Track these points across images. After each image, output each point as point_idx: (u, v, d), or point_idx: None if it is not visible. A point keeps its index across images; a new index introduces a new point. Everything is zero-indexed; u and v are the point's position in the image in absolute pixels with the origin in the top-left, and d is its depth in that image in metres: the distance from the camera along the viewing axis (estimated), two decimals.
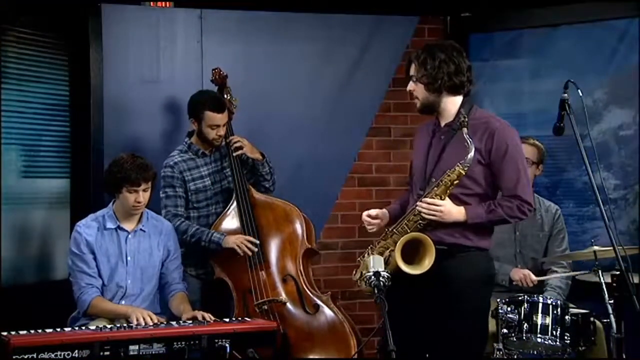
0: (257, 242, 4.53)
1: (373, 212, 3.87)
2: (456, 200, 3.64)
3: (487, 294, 3.79)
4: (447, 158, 3.67)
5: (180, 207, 4.61)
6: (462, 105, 3.71)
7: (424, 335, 3.65)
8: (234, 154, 4.68)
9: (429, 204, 3.61)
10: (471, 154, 3.54)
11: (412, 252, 3.59)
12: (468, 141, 3.55)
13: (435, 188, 3.62)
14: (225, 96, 4.79)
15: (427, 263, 3.57)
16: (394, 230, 3.71)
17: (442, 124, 3.76)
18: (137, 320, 3.95)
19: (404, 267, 3.54)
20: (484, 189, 3.68)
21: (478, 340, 3.76)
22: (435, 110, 3.75)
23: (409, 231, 3.64)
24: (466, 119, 3.58)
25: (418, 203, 3.63)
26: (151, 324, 3.94)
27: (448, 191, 3.60)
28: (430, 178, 3.69)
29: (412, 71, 3.73)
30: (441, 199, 3.61)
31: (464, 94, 3.73)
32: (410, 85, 3.75)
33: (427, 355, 3.69)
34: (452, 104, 3.73)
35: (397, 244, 3.58)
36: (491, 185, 3.69)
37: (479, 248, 3.70)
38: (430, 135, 3.79)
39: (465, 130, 3.56)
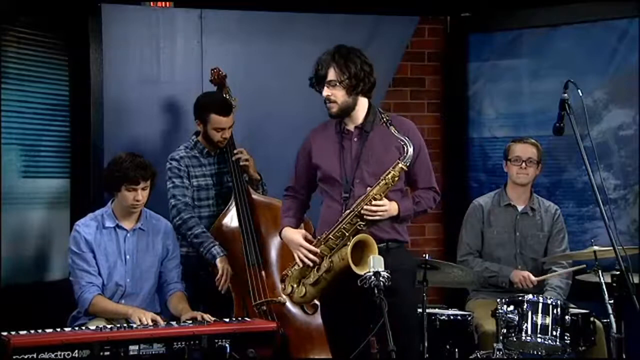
0: (228, 287, 4.49)
1: (310, 247, 3.74)
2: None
3: (415, 284, 4.00)
4: (369, 159, 3.72)
5: (188, 197, 4.61)
6: (369, 106, 3.79)
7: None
8: (239, 164, 4.66)
9: (375, 205, 3.64)
10: (410, 149, 3.63)
11: (354, 254, 3.60)
12: (403, 139, 3.64)
13: (376, 188, 3.64)
14: (225, 96, 4.79)
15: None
16: (330, 236, 3.70)
17: (351, 126, 3.79)
18: (140, 320, 3.95)
19: (356, 269, 3.54)
20: (404, 183, 3.80)
21: (416, 332, 3.90)
22: (349, 114, 3.77)
23: (346, 234, 3.65)
24: (389, 118, 3.67)
25: (365, 207, 3.63)
26: (145, 323, 3.92)
27: (388, 189, 3.65)
28: (354, 180, 3.72)
29: (332, 76, 3.72)
30: (380, 197, 3.65)
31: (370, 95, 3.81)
32: (327, 90, 3.73)
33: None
34: (362, 106, 3.79)
35: (348, 248, 3.58)
36: (406, 180, 3.80)
37: (406, 242, 3.84)
38: (336, 139, 3.80)
39: (393, 128, 3.65)
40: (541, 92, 5.47)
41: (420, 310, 4.28)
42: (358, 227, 3.66)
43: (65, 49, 5.07)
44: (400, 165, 3.64)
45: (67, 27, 5.05)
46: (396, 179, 3.65)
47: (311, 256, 3.71)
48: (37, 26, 4.90)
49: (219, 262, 4.47)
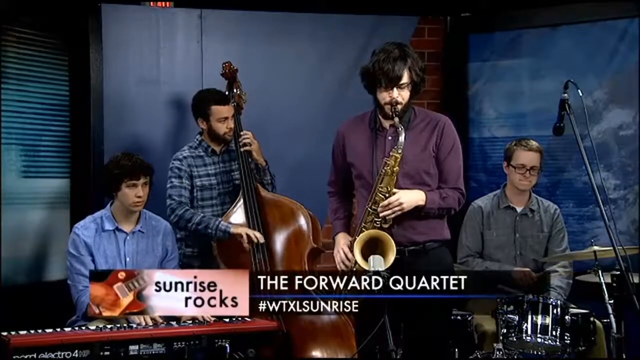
0: (263, 240, 4.52)
1: (348, 253, 3.75)
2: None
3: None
4: (404, 156, 3.68)
5: (184, 197, 4.61)
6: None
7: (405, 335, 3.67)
8: (241, 149, 4.66)
9: (387, 205, 3.62)
10: (401, 136, 3.60)
11: (371, 253, 3.58)
12: (400, 127, 3.62)
13: (380, 184, 3.63)
14: (235, 90, 4.79)
15: (391, 258, 3.55)
16: (356, 237, 3.69)
17: (387, 124, 3.76)
18: (135, 320, 3.93)
19: (366, 266, 3.53)
20: (436, 181, 3.76)
21: (448, 333, 3.91)
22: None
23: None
24: (420, 115, 3.71)
25: (379, 208, 3.62)
26: (144, 324, 3.89)
27: (392, 180, 3.62)
28: None
29: (406, 78, 3.67)
30: (388, 191, 3.63)
31: None
32: (397, 92, 3.66)
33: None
34: None
35: (355, 245, 3.58)
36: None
37: (446, 239, 3.80)
38: (370, 136, 3.77)
39: (397, 119, 3.63)
40: (541, 92, 5.47)
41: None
42: (375, 224, 3.65)
43: (65, 49, 5.07)
44: (393, 153, 3.62)
45: (67, 27, 5.05)
46: (395, 168, 3.62)
47: (346, 262, 3.71)
48: (37, 26, 4.90)
49: (234, 231, 4.47)
